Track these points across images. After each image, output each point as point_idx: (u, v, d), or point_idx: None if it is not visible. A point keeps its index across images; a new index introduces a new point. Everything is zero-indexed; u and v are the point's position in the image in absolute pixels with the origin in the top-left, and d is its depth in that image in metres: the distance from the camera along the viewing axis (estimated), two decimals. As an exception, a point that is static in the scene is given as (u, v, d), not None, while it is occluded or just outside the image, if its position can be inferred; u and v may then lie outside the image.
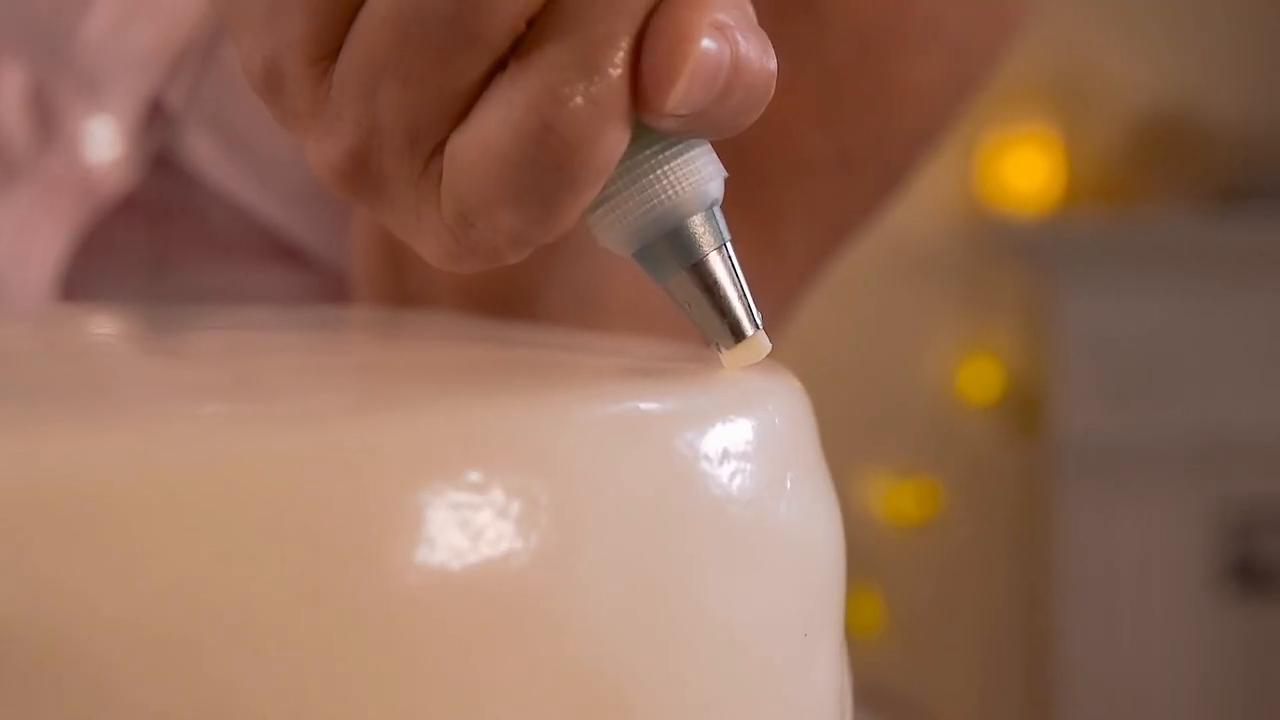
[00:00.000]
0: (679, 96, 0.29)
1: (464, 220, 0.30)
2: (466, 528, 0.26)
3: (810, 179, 0.52)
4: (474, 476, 0.26)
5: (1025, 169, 2.05)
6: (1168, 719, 1.98)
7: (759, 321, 0.32)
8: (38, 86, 0.59)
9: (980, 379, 2.07)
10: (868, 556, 2.01)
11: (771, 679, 0.30)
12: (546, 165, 0.29)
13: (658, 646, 0.28)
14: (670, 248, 0.31)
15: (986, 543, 2.09)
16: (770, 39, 0.30)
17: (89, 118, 0.57)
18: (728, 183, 0.32)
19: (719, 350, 0.32)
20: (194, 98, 0.56)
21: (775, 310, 0.53)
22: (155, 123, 0.57)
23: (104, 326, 0.45)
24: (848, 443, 2.00)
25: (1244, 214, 2.00)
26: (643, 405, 0.29)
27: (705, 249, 0.31)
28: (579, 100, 0.28)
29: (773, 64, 0.30)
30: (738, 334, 0.32)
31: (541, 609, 0.27)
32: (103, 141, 0.57)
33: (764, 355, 0.32)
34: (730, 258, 0.32)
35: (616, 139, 0.29)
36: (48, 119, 0.59)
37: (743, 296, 0.32)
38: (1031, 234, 2.03)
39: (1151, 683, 1.97)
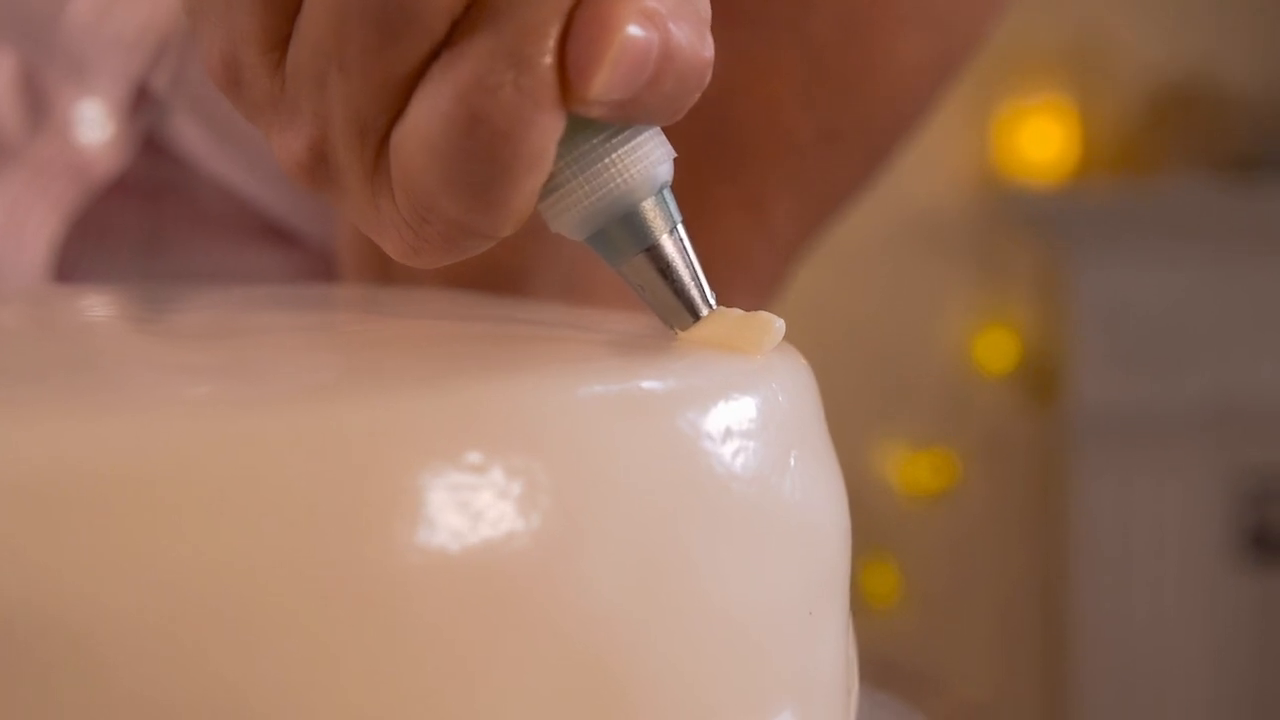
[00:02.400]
0: (602, 84, 0.28)
1: (417, 214, 0.30)
2: (466, 509, 0.26)
3: (795, 156, 0.52)
4: (474, 457, 0.26)
5: (1040, 138, 2.05)
6: (1184, 688, 1.98)
7: (712, 301, 0.32)
8: (27, 71, 0.59)
9: (996, 349, 2.06)
10: (884, 528, 2.01)
11: (775, 658, 0.30)
12: (479, 156, 0.28)
13: (660, 626, 0.28)
14: (623, 233, 0.31)
15: (1002, 513, 2.09)
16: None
17: (78, 101, 0.57)
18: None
19: (675, 331, 0.32)
20: (178, 81, 0.57)
21: (764, 285, 0.53)
22: (142, 105, 0.57)
23: (95, 307, 0.45)
24: (863, 414, 2.00)
25: (1260, 183, 1.99)
26: (644, 384, 0.29)
27: (657, 233, 0.32)
28: (507, 90, 0.28)
29: (708, 51, 0.30)
30: (694, 313, 0.32)
31: (542, 590, 0.27)
32: (93, 124, 0.57)
33: (780, 336, 0.32)
34: (682, 239, 0.32)
35: (548, 127, 0.29)
36: (38, 103, 0.59)
37: (696, 277, 0.32)
38: (1046, 203, 2.02)
39: (1168, 651, 1.97)
